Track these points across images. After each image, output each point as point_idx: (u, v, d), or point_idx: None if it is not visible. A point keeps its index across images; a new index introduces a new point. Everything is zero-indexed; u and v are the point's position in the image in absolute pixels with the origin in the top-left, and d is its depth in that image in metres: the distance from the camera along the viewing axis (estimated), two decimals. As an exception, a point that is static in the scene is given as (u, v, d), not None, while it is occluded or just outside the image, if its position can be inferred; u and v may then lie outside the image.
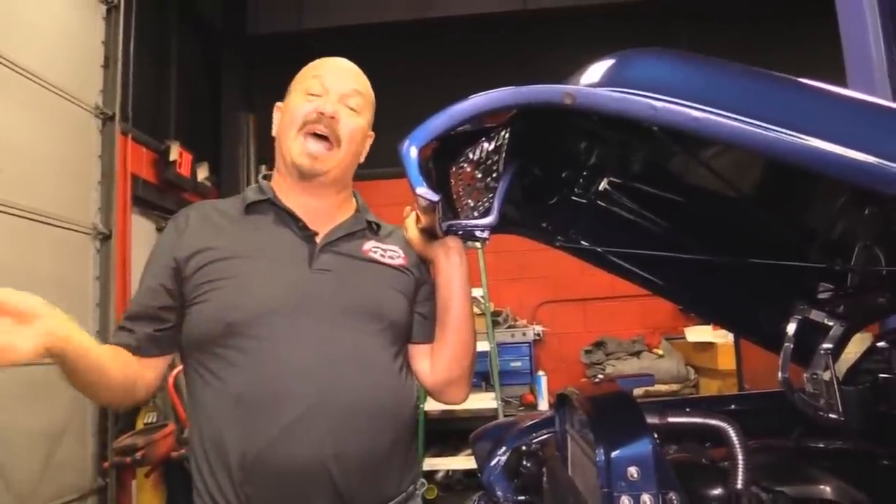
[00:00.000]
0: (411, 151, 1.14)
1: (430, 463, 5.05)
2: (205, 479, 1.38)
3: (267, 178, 1.60)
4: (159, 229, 5.47)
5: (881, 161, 0.91)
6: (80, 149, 4.35)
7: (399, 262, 1.55)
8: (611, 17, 6.77)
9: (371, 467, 1.37)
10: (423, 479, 1.55)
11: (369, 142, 1.62)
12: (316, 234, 1.49)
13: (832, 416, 1.67)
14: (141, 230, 5.25)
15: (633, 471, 1.16)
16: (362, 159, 1.61)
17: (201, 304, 1.40)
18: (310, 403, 1.33)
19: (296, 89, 1.54)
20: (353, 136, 1.51)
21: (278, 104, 1.58)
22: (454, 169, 1.37)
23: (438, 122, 1.13)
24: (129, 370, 1.40)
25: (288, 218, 1.50)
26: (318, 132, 1.47)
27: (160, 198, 5.58)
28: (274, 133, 1.57)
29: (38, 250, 3.86)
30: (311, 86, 1.51)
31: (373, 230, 1.58)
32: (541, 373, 5.65)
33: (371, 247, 1.54)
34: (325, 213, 1.54)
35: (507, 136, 1.31)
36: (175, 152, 5.59)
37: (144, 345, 1.44)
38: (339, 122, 1.48)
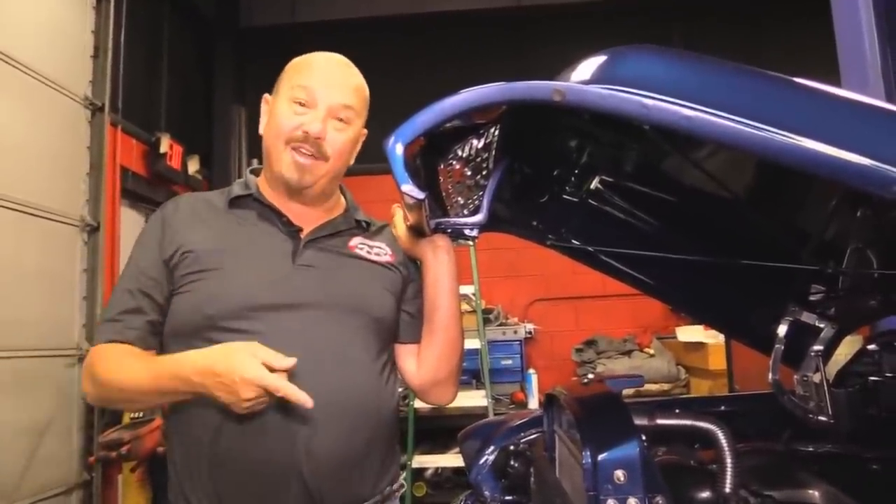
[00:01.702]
0: (397, 148, 1.12)
1: (419, 460, 5.03)
2: (178, 472, 1.37)
3: (255, 172, 1.58)
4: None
5: (876, 163, 0.89)
6: (69, 140, 4.32)
7: (386, 259, 1.53)
8: (605, 15, 6.75)
9: (344, 466, 1.36)
10: (402, 481, 1.53)
11: (361, 140, 1.58)
12: (300, 230, 1.47)
13: (822, 418, 1.67)
14: (130, 223, 5.21)
15: (619, 474, 1.15)
16: (352, 161, 1.58)
17: (183, 295, 1.39)
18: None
19: (283, 91, 1.49)
20: (341, 151, 1.48)
21: (266, 96, 1.54)
22: (443, 166, 1.35)
23: (425, 118, 1.10)
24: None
25: (272, 214, 1.48)
26: (304, 151, 1.44)
27: (150, 190, 5.54)
28: (261, 130, 1.53)
29: (26, 242, 3.84)
30: (299, 94, 1.45)
31: (361, 227, 1.57)
32: (532, 371, 5.64)
33: (357, 243, 1.52)
34: (312, 211, 1.52)
35: (496, 133, 1.30)
36: (165, 144, 5.54)
37: (145, 337, 1.41)
38: (325, 140, 1.44)
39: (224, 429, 1.30)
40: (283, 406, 1.30)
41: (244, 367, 1.18)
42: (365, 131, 1.59)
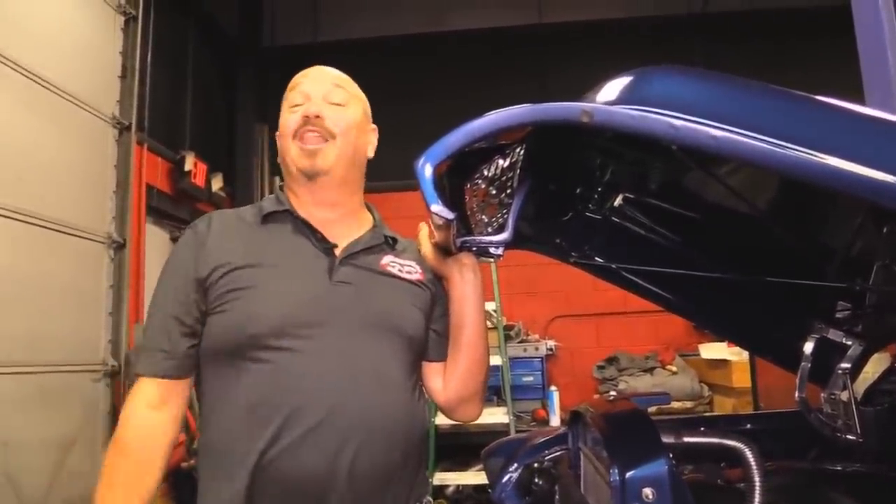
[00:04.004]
0: (426, 169, 1.13)
1: (440, 477, 5.01)
2: (210, 487, 1.37)
3: (283, 188, 1.60)
4: (173, 239, 5.50)
5: (903, 181, 0.89)
6: (96, 158, 4.41)
7: (416, 277, 1.54)
8: (626, 32, 6.77)
9: (380, 483, 1.36)
10: (429, 498, 1.53)
11: (374, 136, 1.61)
12: (335, 246, 1.49)
13: (850, 436, 1.65)
14: (155, 240, 5.28)
15: (648, 492, 1.15)
16: (371, 154, 1.60)
17: (222, 314, 1.38)
18: (323, 416, 1.32)
19: (283, 109, 1.54)
20: (346, 127, 1.50)
21: (277, 133, 1.57)
22: (469, 185, 1.36)
23: (454, 140, 1.12)
24: (163, 437, 1.41)
25: (306, 229, 1.49)
26: (310, 134, 1.47)
27: (174, 208, 5.61)
28: (279, 160, 1.57)
29: (53, 258, 3.90)
30: (293, 98, 1.52)
31: (390, 245, 1.58)
32: (553, 388, 5.61)
33: (389, 261, 1.53)
34: (341, 224, 1.53)
35: (521, 152, 1.31)
36: (190, 162, 5.63)
37: (184, 365, 1.41)
38: (325, 119, 1.47)
39: (264, 443, 1.30)
40: (323, 422, 1.31)
41: None
42: (374, 127, 1.61)
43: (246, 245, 1.45)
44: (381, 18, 7.02)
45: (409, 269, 1.54)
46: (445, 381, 1.56)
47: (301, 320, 1.37)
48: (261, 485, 1.31)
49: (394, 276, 1.52)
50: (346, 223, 1.54)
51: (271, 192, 1.62)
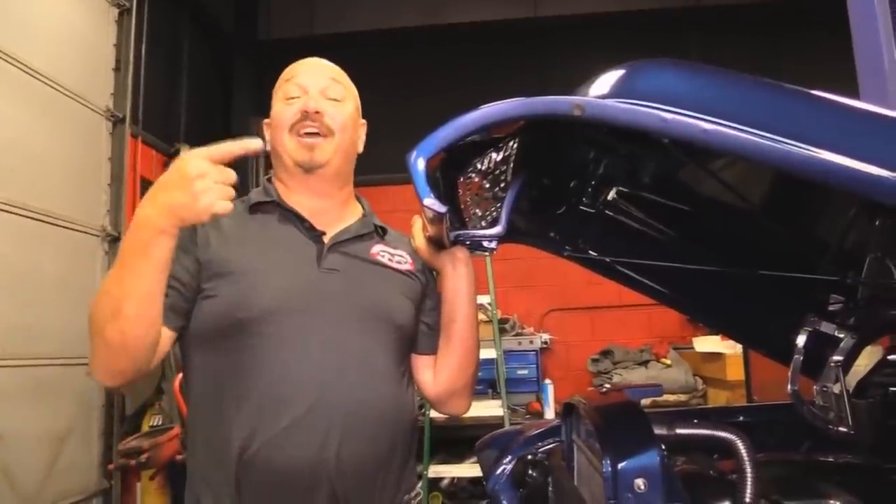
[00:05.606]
0: (418, 163, 1.14)
1: (435, 470, 5.01)
2: (200, 476, 1.38)
3: (271, 179, 1.60)
4: (168, 232, 5.48)
5: (894, 175, 0.90)
6: (91, 151, 4.39)
7: (406, 267, 1.55)
8: (622, 26, 6.75)
9: (368, 472, 1.37)
10: (419, 490, 1.54)
11: (363, 130, 1.63)
12: (323, 233, 1.49)
13: (842, 429, 1.66)
14: (150, 233, 5.26)
15: (640, 482, 1.15)
16: (361, 148, 1.61)
17: (208, 300, 1.39)
18: (311, 405, 1.32)
19: (276, 98, 1.54)
20: (343, 124, 1.52)
21: (265, 121, 1.57)
22: (462, 179, 1.37)
23: (446, 134, 1.12)
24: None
25: (294, 218, 1.50)
26: (308, 130, 1.47)
27: (169, 201, 5.59)
28: (268, 148, 1.56)
29: (48, 251, 3.89)
30: (289, 90, 1.52)
31: (380, 234, 1.58)
32: (548, 381, 5.61)
33: (379, 250, 1.54)
34: (330, 213, 1.53)
35: (515, 146, 1.31)
36: (185, 156, 5.60)
37: (167, 313, 1.34)
38: (324, 114, 1.48)
39: (252, 432, 1.31)
40: (310, 411, 1.32)
41: (187, 155, 1.20)
42: (364, 122, 1.63)
43: (235, 234, 1.45)
44: (377, 11, 6.98)
45: (399, 259, 1.55)
46: (436, 375, 1.56)
47: (289, 307, 1.37)
48: (249, 474, 1.31)
49: (383, 265, 1.52)
50: (336, 212, 1.55)
51: (258, 184, 1.63)
